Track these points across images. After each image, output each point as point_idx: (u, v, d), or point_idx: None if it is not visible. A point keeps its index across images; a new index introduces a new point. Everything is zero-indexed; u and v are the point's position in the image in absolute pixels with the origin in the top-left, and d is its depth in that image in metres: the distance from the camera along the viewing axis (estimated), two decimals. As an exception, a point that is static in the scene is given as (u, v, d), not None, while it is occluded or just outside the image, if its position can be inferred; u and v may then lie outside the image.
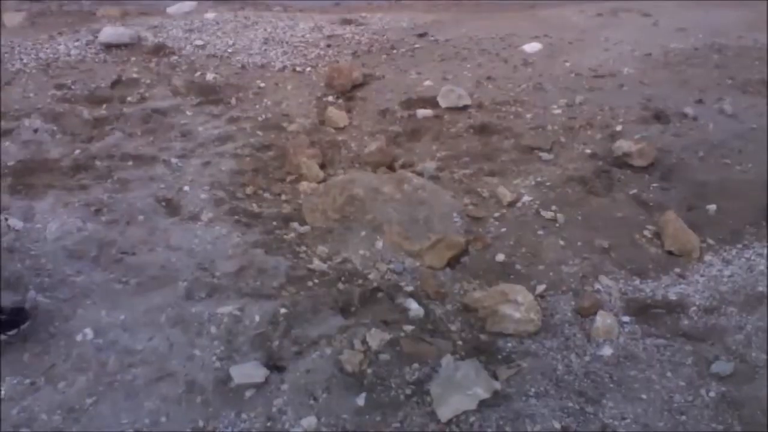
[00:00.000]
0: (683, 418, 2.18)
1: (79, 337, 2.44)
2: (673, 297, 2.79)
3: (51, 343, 2.43)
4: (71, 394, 2.24)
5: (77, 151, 3.81)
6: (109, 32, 5.49)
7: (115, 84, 4.80)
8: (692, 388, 2.29)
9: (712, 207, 3.32)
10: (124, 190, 3.40)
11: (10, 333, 2.42)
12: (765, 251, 3.02)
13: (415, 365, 2.37)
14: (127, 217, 3.15)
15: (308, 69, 5.19)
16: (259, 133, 4.15)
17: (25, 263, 2.77)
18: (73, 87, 4.72)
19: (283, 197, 3.50)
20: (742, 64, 4.98)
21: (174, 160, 3.74)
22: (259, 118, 4.35)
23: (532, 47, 5.46)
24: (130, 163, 3.70)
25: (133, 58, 5.27)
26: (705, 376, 2.34)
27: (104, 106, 4.46)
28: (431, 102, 4.53)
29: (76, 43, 5.49)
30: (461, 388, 2.21)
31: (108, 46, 5.41)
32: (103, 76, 4.90)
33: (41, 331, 2.46)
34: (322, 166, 3.78)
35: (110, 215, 3.16)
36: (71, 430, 2.13)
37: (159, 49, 5.45)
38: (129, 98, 4.55)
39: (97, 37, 5.53)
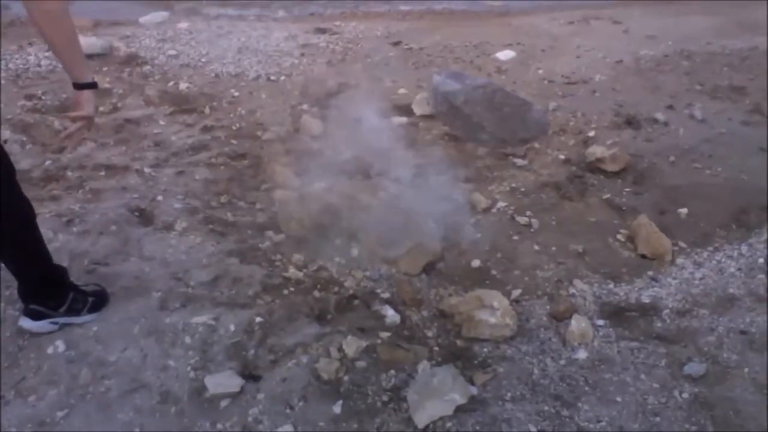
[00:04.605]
0: (657, 419, 2.20)
1: (50, 350, 2.40)
2: (646, 300, 2.82)
3: (21, 356, 2.39)
4: (42, 407, 2.20)
5: (48, 162, 3.76)
6: (81, 42, 5.42)
7: (87, 94, 4.73)
8: (666, 390, 2.31)
9: (684, 211, 3.37)
10: (96, 201, 3.36)
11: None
12: (735, 254, 3.07)
13: (392, 372, 2.36)
14: (100, 227, 3.10)
15: (282, 78, 5.18)
16: (234, 141, 4.12)
17: (-6, 275, 2.72)
18: (43, 97, 4.65)
19: (258, 206, 3.47)
20: (710, 70, 5.07)
21: (147, 170, 3.70)
22: (234, 127, 4.33)
23: (505, 55, 5.52)
24: (103, 173, 3.66)
25: (105, 68, 5.22)
26: (678, 378, 2.37)
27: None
28: (406, 109, 4.55)
29: (47, 54, 5.41)
30: (438, 393, 2.21)
31: (80, 56, 5.34)
32: (75, 86, 4.83)
33: (11, 344, 2.42)
34: (297, 175, 3.76)
35: (82, 226, 3.11)
36: (42, 444, 2.10)
37: (131, 59, 5.41)
38: (101, 108, 4.49)
39: (68, 47, 5.46)
